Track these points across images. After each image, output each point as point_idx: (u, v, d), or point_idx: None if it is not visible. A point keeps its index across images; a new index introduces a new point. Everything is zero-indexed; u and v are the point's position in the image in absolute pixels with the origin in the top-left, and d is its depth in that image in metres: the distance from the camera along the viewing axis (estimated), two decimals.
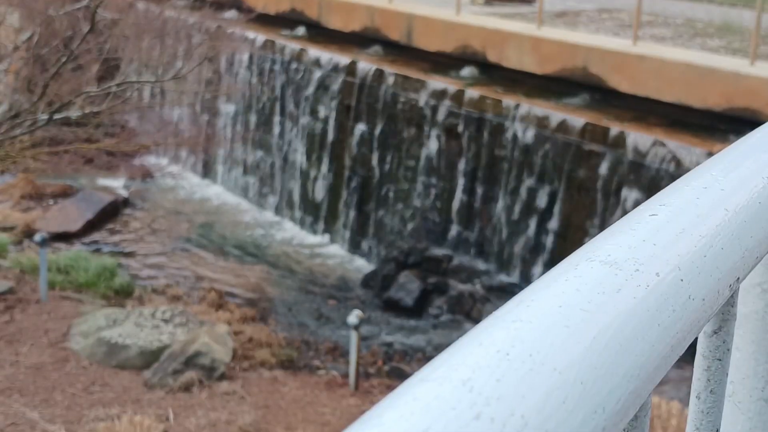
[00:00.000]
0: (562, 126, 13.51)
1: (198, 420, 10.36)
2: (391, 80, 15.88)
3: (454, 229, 15.02)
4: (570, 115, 13.57)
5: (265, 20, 19.34)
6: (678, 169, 12.02)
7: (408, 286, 14.44)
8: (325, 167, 17.24)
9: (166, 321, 12.36)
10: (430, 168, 15.33)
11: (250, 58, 18.73)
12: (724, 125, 12.57)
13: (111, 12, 14.75)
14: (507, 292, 13.65)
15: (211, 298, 14.11)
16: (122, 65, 15.50)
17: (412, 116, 15.54)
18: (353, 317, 11.31)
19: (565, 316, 0.61)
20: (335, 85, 16.91)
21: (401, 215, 15.80)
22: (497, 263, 14.45)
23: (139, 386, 11.18)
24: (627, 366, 0.61)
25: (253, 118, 18.92)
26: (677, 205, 0.83)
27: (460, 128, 14.80)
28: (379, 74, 16.08)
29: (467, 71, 15.69)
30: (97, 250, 16.02)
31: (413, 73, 15.75)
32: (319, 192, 17.38)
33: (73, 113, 13.47)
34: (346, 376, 11.88)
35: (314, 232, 17.46)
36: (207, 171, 20.26)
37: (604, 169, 13.05)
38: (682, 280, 0.72)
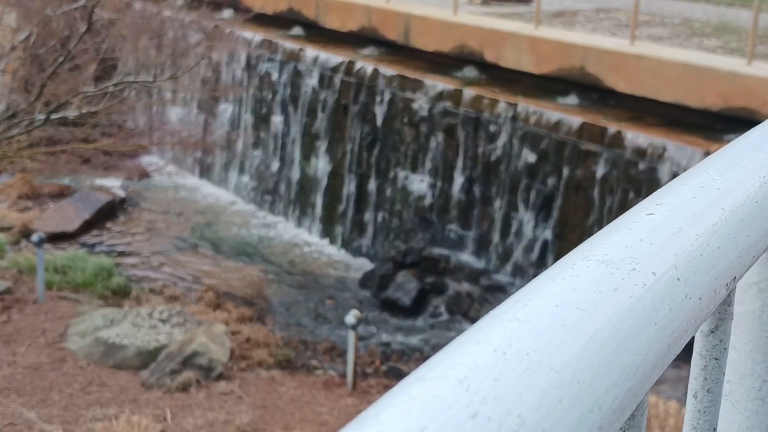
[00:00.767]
0: (560, 125, 13.51)
1: (195, 420, 10.35)
2: (388, 80, 15.88)
3: (451, 229, 15.02)
4: (567, 115, 13.58)
5: (262, 20, 19.33)
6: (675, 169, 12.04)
7: (406, 285, 14.44)
8: (322, 167, 17.24)
9: (163, 321, 12.35)
10: (427, 167, 15.33)
11: (248, 57, 18.72)
12: (721, 125, 12.57)
13: (108, 12, 14.74)
14: (505, 291, 13.66)
15: (209, 298, 14.10)
16: (119, 65, 15.50)
17: (409, 116, 15.54)
18: (351, 317, 11.31)
19: (561, 315, 0.61)
20: (333, 85, 16.90)
21: (399, 215, 15.80)
22: (495, 263, 14.45)
23: (136, 386, 11.17)
24: (623, 365, 0.61)
25: (250, 118, 18.92)
26: (674, 204, 0.83)
27: (458, 128, 14.80)
28: (377, 74, 16.08)
29: (465, 71, 15.70)
30: (95, 250, 16.01)
31: (411, 73, 15.75)
32: (317, 192, 17.37)
33: (71, 113, 13.46)
34: (343, 375, 11.88)
35: (311, 231, 17.46)
36: (204, 171, 20.25)
37: (601, 168, 13.06)
38: (678, 279, 0.72)
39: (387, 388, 11.13)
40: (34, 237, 13.46)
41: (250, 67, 18.80)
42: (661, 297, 0.69)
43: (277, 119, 18.24)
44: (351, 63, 16.60)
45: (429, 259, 14.74)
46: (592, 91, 14.12)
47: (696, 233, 0.79)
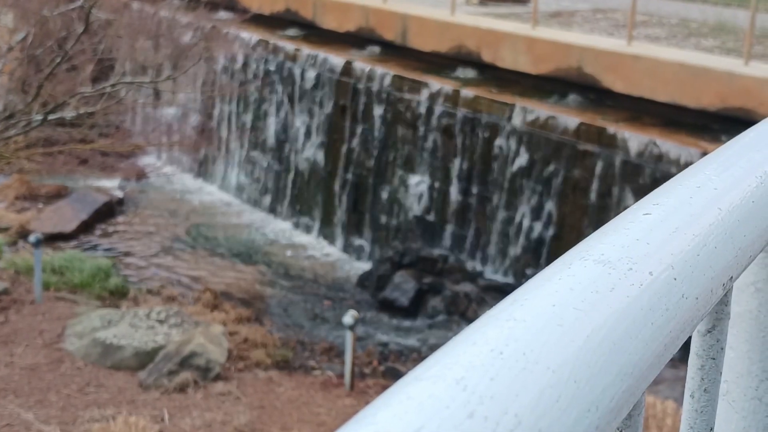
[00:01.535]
0: (557, 126, 13.52)
1: (193, 421, 10.35)
2: (386, 80, 15.88)
3: (449, 229, 15.02)
4: (565, 115, 13.58)
5: (260, 21, 19.32)
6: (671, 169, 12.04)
7: (403, 286, 14.44)
8: (320, 167, 17.24)
9: (161, 322, 12.35)
10: (425, 168, 15.33)
11: (245, 58, 18.71)
12: (718, 125, 12.58)
13: (105, 12, 14.73)
14: (502, 291, 13.65)
15: (206, 298, 14.09)
16: (117, 66, 15.49)
17: (407, 116, 15.54)
18: (348, 317, 11.31)
19: (558, 315, 0.61)
20: (330, 86, 16.90)
21: (396, 215, 15.80)
22: (492, 263, 14.45)
23: (134, 387, 11.17)
24: (620, 364, 0.61)
25: (247, 119, 18.92)
26: (671, 204, 0.83)
27: (456, 128, 14.80)
28: (374, 74, 16.08)
29: (462, 71, 15.70)
30: (92, 251, 16.00)
31: (408, 74, 15.75)
32: (314, 192, 17.37)
33: (68, 114, 13.45)
34: (341, 376, 11.88)
35: (309, 232, 17.45)
36: (202, 171, 20.25)
37: (598, 169, 13.06)
38: (675, 279, 0.72)
39: (385, 388, 11.12)
40: (32, 237, 13.45)
41: (247, 67, 18.79)
42: (657, 297, 0.69)
43: (274, 120, 18.24)
44: (348, 63, 16.60)
45: (427, 260, 14.74)
46: (589, 92, 14.13)
47: (693, 233, 0.79)
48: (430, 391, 0.51)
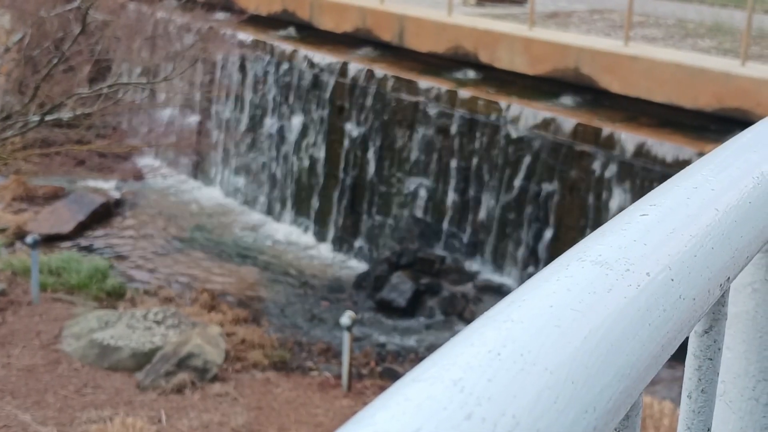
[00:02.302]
0: (554, 126, 13.53)
1: (190, 422, 10.34)
2: (383, 81, 15.88)
3: (446, 230, 15.02)
4: (562, 116, 13.59)
5: (257, 21, 19.32)
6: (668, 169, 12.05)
7: (401, 286, 14.44)
8: (317, 168, 17.24)
9: (158, 322, 12.34)
10: (422, 168, 15.34)
11: (242, 59, 18.71)
12: (715, 125, 12.59)
13: (102, 13, 14.72)
14: (499, 292, 13.66)
15: (204, 299, 14.09)
16: (114, 66, 15.48)
17: (404, 117, 15.55)
18: (346, 318, 11.31)
19: (556, 316, 0.61)
20: (327, 86, 16.90)
21: (394, 216, 15.80)
22: (490, 264, 14.46)
23: (131, 388, 11.16)
24: (618, 365, 0.62)
25: (244, 119, 18.91)
26: (668, 205, 0.83)
27: (453, 129, 14.81)
28: (371, 75, 16.09)
29: (459, 72, 15.70)
30: (89, 252, 15.99)
31: (405, 74, 15.75)
32: (311, 193, 17.37)
33: (65, 115, 13.44)
34: (338, 377, 11.88)
35: (306, 232, 17.45)
36: (199, 172, 20.24)
37: (595, 169, 13.07)
38: (672, 280, 0.72)
39: (382, 389, 11.13)
40: (29, 238, 13.44)
41: (244, 68, 18.79)
42: (655, 298, 0.69)
43: (271, 120, 18.23)
44: (345, 64, 16.60)
45: (424, 260, 14.74)
46: (586, 92, 14.13)
47: (690, 234, 0.79)
48: (428, 392, 0.51)
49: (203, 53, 16.03)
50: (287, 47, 17.93)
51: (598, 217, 12.94)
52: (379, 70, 16.05)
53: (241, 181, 19.09)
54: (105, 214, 17.78)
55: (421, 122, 15.25)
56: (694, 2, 18.04)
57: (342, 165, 16.65)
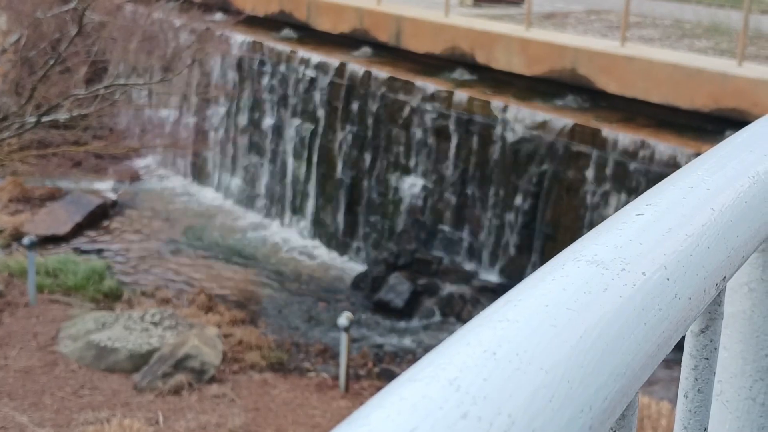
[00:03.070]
0: (551, 127, 13.53)
1: (188, 423, 10.34)
2: (380, 82, 15.89)
3: (444, 230, 15.02)
4: (559, 116, 13.60)
5: (253, 22, 19.31)
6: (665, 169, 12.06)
7: (398, 287, 14.44)
8: (314, 169, 17.24)
9: (155, 324, 12.33)
10: (419, 169, 15.34)
11: (239, 60, 18.70)
12: (712, 126, 12.60)
13: (99, 14, 14.71)
14: (497, 293, 13.66)
15: (201, 300, 14.08)
16: (110, 67, 15.47)
17: (401, 118, 15.55)
18: (343, 319, 11.31)
19: (551, 315, 0.61)
20: (324, 87, 16.90)
21: (391, 217, 15.80)
22: (487, 264, 14.46)
23: (128, 389, 11.16)
24: (613, 365, 0.62)
25: (241, 120, 18.90)
26: (663, 204, 0.83)
27: (450, 129, 14.81)
28: (368, 76, 16.09)
29: (456, 73, 15.71)
30: (86, 253, 15.97)
31: (402, 75, 15.75)
32: (309, 194, 17.37)
33: (61, 116, 13.43)
34: (336, 378, 11.88)
35: (304, 234, 17.44)
36: (196, 173, 20.23)
37: (592, 169, 13.08)
38: (668, 279, 0.72)
39: (380, 389, 11.11)
40: (26, 240, 13.44)
41: (241, 69, 18.78)
42: (650, 297, 0.69)
43: (268, 121, 18.23)
44: (342, 65, 16.60)
45: (421, 261, 14.74)
46: (583, 93, 14.14)
47: (686, 233, 0.79)
48: (424, 391, 0.51)
49: (200, 54, 16.03)
50: (284, 48, 17.93)
51: (594, 217, 12.94)
52: (377, 71, 16.05)
53: (238, 182, 19.09)
54: (102, 215, 17.77)
55: (419, 123, 15.25)
56: (691, 3, 18.06)
57: (339, 166, 16.65)
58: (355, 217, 16.44)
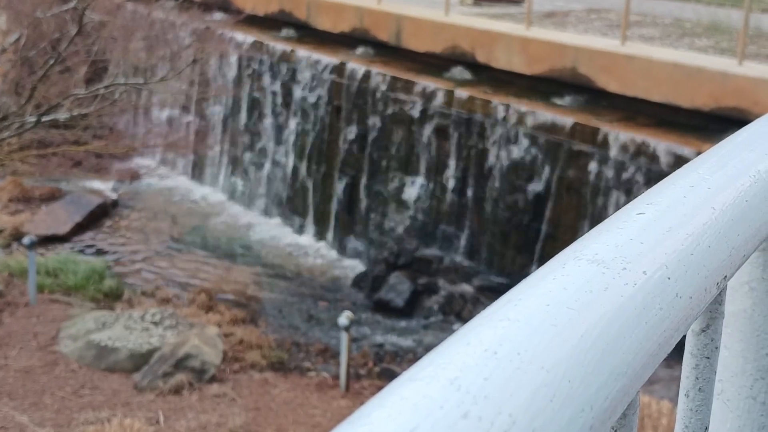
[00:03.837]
0: (552, 126, 13.53)
1: (188, 422, 10.34)
2: (380, 81, 15.89)
3: (444, 230, 15.02)
4: (559, 115, 13.59)
5: (253, 21, 19.31)
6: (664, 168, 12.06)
7: (398, 286, 14.44)
8: (314, 168, 17.24)
9: (155, 323, 12.34)
10: (419, 168, 15.34)
11: (239, 59, 18.71)
12: (712, 125, 12.60)
13: (99, 14, 14.72)
14: (497, 292, 13.66)
15: (201, 300, 14.08)
16: (110, 67, 15.47)
17: (401, 117, 15.55)
18: (344, 318, 11.31)
19: (552, 314, 0.61)
20: (324, 86, 16.90)
21: (391, 216, 15.80)
22: (487, 263, 14.46)
23: (128, 389, 11.16)
24: (614, 364, 0.62)
25: (242, 120, 18.91)
26: (664, 203, 0.83)
27: (450, 129, 14.81)
28: (368, 75, 16.09)
29: (456, 72, 15.71)
30: (86, 253, 15.98)
31: (402, 74, 15.75)
32: (309, 193, 17.37)
33: (61, 115, 13.43)
34: (336, 377, 11.88)
35: (304, 233, 17.45)
36: (196, 172, 20.23)
37: (593, 169, 13.08)
38: (669, 278, 0.72)
39: (380, 389, 11.09)
40: (26, 240, 13.44)
41: (241, 68, 18.78)
42: (651, 296, 0.69)
43: (268, 120, 18.23)
44: (343, 64, 16.60)
45: (422, 260, 14.74)
46: (583, 92, 14.14)
47: (686, 232, 0.79)
48: (424, 391, 0.51)
49: (200, 54, 16.03)
50: (284, 47, 17.93)
51: (595, 216, 12.94)
52: (377, 70, 16.05)
53: (238, 181, 19.09)
54: (102, 215, 17.78)
55: (419, 122, 15.26)
56: (691, 1, 18.06)
57: (339, 165, 16.65)
58: (356, 217, 16.44)
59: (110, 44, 15.20)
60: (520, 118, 13.91)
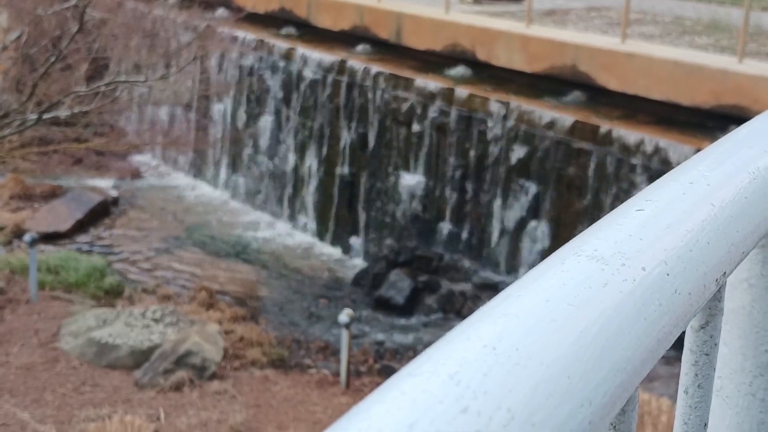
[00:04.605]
0: (552, 124, 13.53)
1: (189, 419, 10.35)
2: (380, 79, 15.88)
3: (444, 228, 15.03)
4: (559, 113, 13.59)
5: (254, 19, 19.31)
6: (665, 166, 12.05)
7: (399, 284, 14.45)
8: (315, 166, 17.24)
9: (156, 320, 12.34)
10: (420, 166, 15.34)
11: (240, 57, 18.70)
12: (712, 123, 12.60)
13: (100, 11, 14.71)
14: (497, 289, 13.66)
15: (202, 297, 14.09)
16: (111, 65, 15.47)
17: (401, 115, 15.55)
18: (344, 316, 11.32)
19: (551, 310, 0.61)
20: (325, 84, 16.90)
21: (392, 214, 15.80)
22: (487, 261, 14.46)
23: (129, 386, 11.16)
24: (613, 360, 0.62)
25: (242, 118, 18.90)
26: (664, 200, 0.84)
27: (450, 127, 14.81)
28: (369, 73, 16.08)
29: (457, 70, 15.71)
30: (87, 250, 15.98)
31: (403, 72, 15.75)
32: (310, 191, 17.37)
33: (62, 113, 13.43)
34: (337, 374, 11.89)
35: (305, 230, 17.45)
36: (197, 170, 20.23)
37: (593, 167, 13.07)
38: (668, 275, 0.73)
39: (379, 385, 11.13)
40: (27, 237, 13.44)
41: (242, 66, 18.78)
42: (650, 292, 0.69)
43: (269, 118, 18.23)
44: (343, 62, 16.59)
45: (422, 258, 14.75)
46: (584, 90, 14.14)
47: (686, 229, 0.79)
48: (424, 386, 0.52)
49: (200, 51, 16.02)
50: (285, 45, 17.93)
51: (595, 214, 12.94)
52: (377, 68, 16.05)
53: (239, 179, 19.09)
54: (103, 212, 17.78)
55: (419, 120, 15.25)
56: (691, 0, 18.06)
57: (340, 162, 16.65)
58: (356, 214, 16.44)
59: (111, 42, 15.20)
60: (520, 116, 13.90)
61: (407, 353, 13.09)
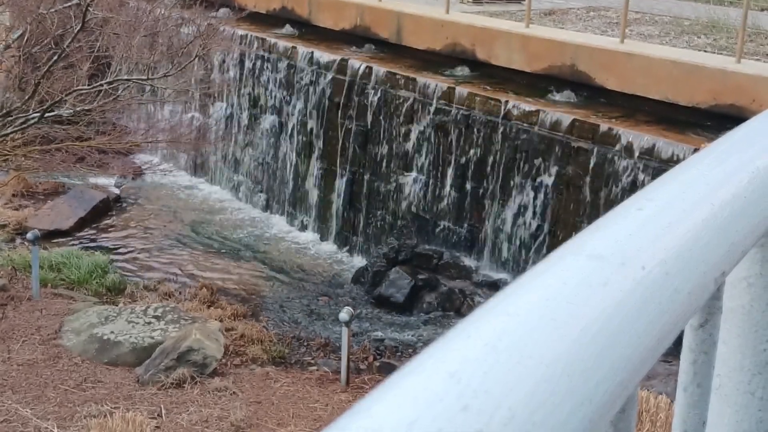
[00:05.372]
0: (551, 123, 13.51)
1: (190, 416, 10.35)
2: (380, 78, 15.87)
3: (444, 226, 15.02)
4: (558, 112, 13.58)
5: (255, 18, 19.30)
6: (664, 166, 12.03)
7: (399, 282, 14.43)
8: (315, 164, 17.23)
9: (158, 318, 12.34)
10: (420, 165, 15.33)
11: (241, 56, 18.69)
12: (711, 122, 12.59)
13: (102, 10, 14.69)
14: (497, 288, 13.61)
15: (203, 294, 14.08)
16: (113, 63, 15.46)
17: (402, 113, 15.53)
18: (344, 313, 11.31)
19: (551, 309, 0.62)
20: (325, 83, 16.89)
21: (392, 212, 15.79)
22: (487, 259, 14.45)
23: (131, 383, 11.16)
24: (613, 359, 0.62)
25: (244, 116, 18.89)
26: (664, 199, 0.84)
27: (450, 126, 14.79)
28: (369, 72, 16.07)
29: (456, 69, 15.69)
30: (89, 248, 15.97)
31: (403, 71, 15.73)
32: (310, 189, 17.36)
33: (65, 111, 13.43)
34: (337, 371, 11.88)
35: (305, 229, 17.44)
36: (198, 169, 20.22)
37: (592, 165, 13.06)
38: (667, 274, 0.73)
39: (380, 383, 11.12)
40: (29, 235, 13.44)
41: (243, 65, 18.76)
42: (650, 291, 0.70)
43: (270, 117, 18.22)
44: (344, 61, 16.58)
45: (422, 256, 14.73)
46: (583, 89, 14.12)
47: (685, 228, 0.80)
48: (425, 384, 0.52)
49: (202, 50, 16.00)
50: (286, 44, 17.91)
51: (594, 213, 12.93)
52: (377, 67, 16.03)
53: (240, 177, 19.08)
54: (105, 210, 17.78)
55: (419, 119, 15.24)
56: (690, 0, 18.04)
57: (340, 161, 16.64)
58: (357, 213, 16.43)
59: (113, 40, 15.18)
60: (520, 115, 13.89)
61: (407, 351, 13.08)
